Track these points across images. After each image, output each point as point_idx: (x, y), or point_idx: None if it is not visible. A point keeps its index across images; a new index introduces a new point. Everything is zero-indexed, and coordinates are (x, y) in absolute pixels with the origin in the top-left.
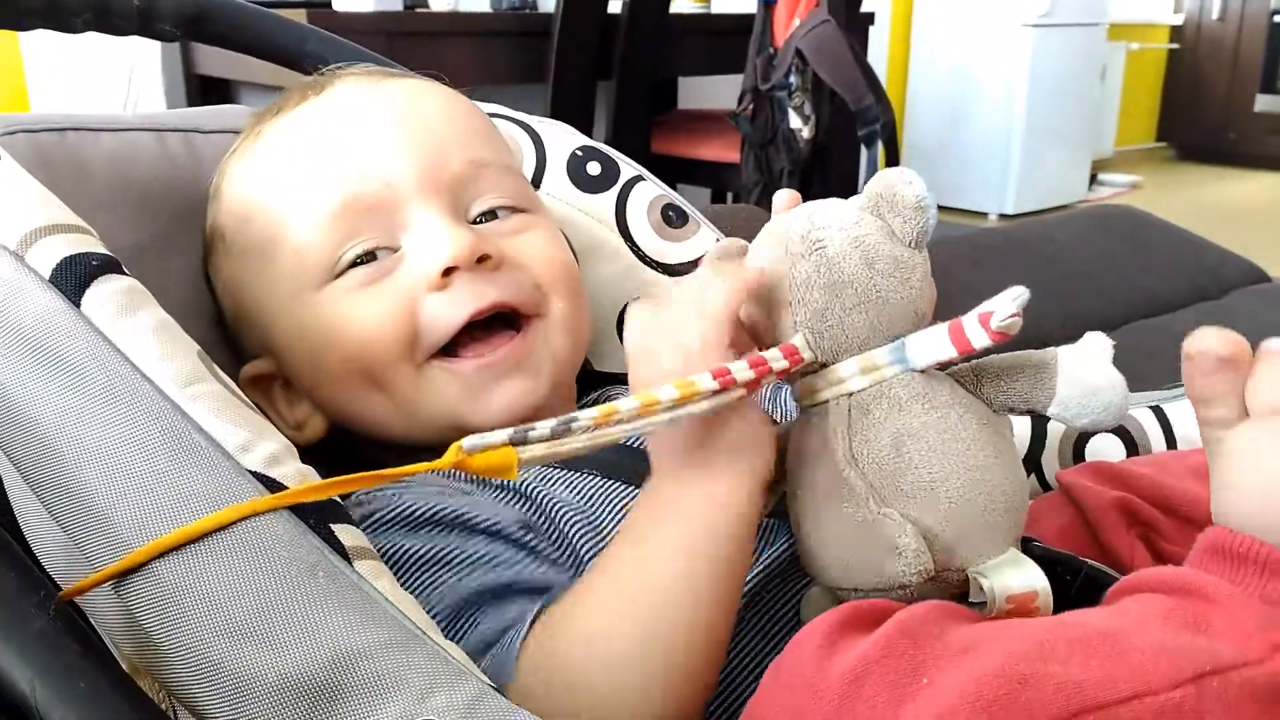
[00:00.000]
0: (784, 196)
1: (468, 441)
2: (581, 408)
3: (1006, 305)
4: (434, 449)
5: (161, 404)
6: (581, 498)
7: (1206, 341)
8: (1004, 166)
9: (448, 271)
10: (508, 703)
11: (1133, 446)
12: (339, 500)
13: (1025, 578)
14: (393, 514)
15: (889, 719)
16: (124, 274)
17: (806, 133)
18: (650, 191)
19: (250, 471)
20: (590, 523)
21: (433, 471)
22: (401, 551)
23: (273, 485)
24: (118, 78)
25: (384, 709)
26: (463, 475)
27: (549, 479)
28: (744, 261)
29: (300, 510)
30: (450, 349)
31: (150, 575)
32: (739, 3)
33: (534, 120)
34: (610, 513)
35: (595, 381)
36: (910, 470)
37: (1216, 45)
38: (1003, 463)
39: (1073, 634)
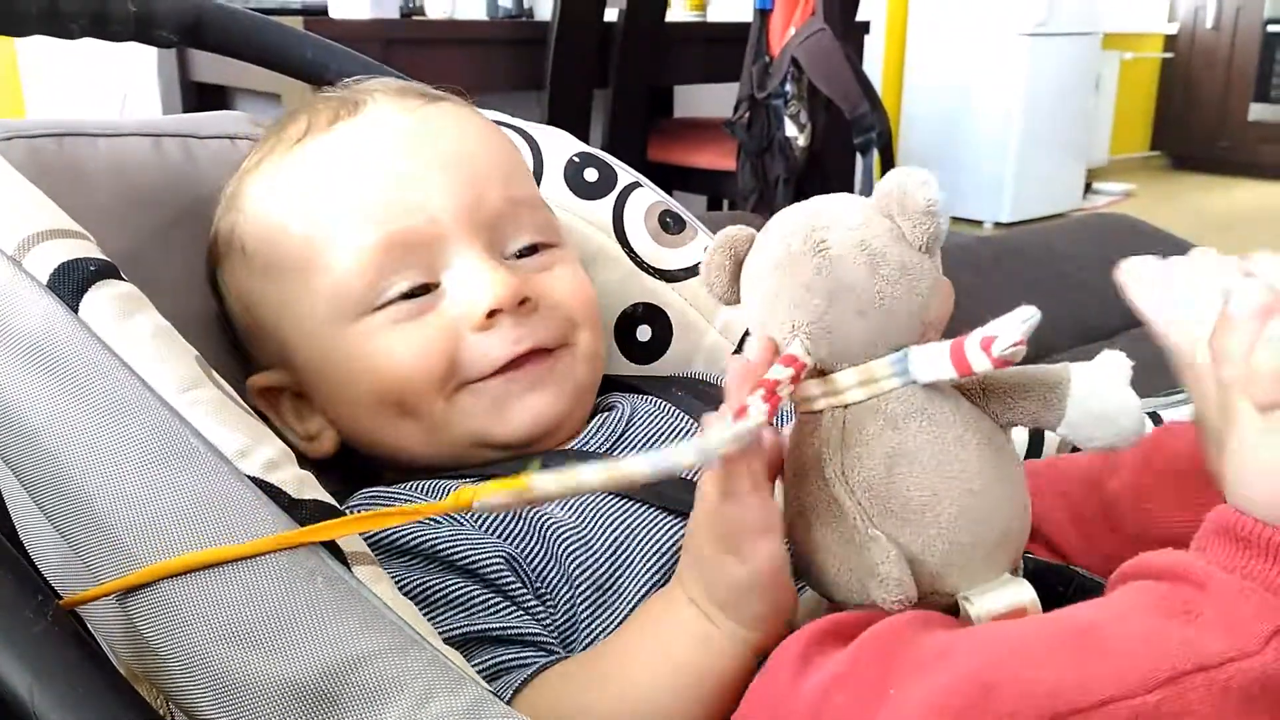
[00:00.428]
0: None
1: (477, 504)
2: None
3: (1011, 331)
4: (445, 467)
5: (160, 409)
6: (574, 513)
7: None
8: (999, 175)
9: (491, 313)
10: (506, 708)
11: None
12: (336, 505)
13: (1012, 597)
14: (372, 536)
15: None
16: (121, 279)
17: (802, 141)
18: (647, 198)
19: (249, 477)
20: (582, 541)
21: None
22: None
23: (271, 490)
24: (113, 84)
25: (383, 714)
26: None
27: None
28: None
29: (300, 517)
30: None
31: (155, 589)
32: (735, 11)
33: (531, 126)
34: (601, 527)
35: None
36: (901, 492)
37: (1210, 55)
38: (1002, 485)
39: (1051, 633)
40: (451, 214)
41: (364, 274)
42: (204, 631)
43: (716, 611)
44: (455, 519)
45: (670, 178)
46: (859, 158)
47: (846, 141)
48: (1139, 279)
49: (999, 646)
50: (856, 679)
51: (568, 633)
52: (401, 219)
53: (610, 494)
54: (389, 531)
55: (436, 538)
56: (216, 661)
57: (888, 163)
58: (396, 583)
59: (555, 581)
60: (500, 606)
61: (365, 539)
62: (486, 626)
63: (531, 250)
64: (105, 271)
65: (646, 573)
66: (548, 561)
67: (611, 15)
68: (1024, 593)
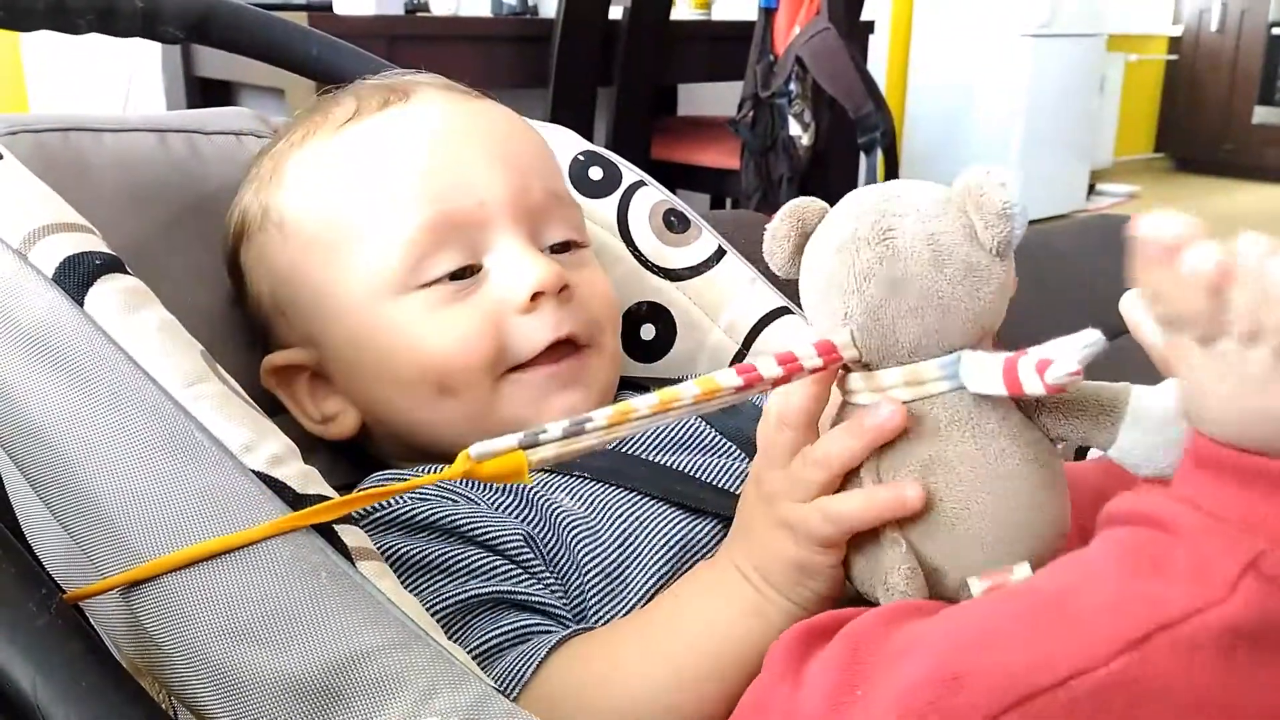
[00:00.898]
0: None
1: (475, 449)
2: None
3: (1069, 359)
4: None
5: (164, 404)
6: (583, 504)
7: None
8: None
9: (534, 296)
10: (510, 704)
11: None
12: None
13: (1015, 578)
14: (392, 515)
15: None
16: (127, 273)
17: (806, 140)
18: (652, 196)
19: (254, 471)
20: (590, 529)
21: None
22: (398, 554)
23: (276, 485)
24: (117, 79)
25: (387, 709)
26: (470, 481)
27: (552, 485)
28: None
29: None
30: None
31: (158, 583)
32: (739, 10)
33: (536, 124)
34: (610, 519)
35: None
36: (933, 502)
37: (1215, 57)
38: (1039, 504)
39: (1018, 609)
40: (499, 200)
41: (411, 251)
42: (207, 626)
43: (770, 589)
44: (472, 500)
45: (674, 176)
46: (863, 157)
47: (850, 141)
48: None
49: (965, 633)
50: (827, 680)
51: (579, 618)
52: (452, 199)
53: (619, 487)
54: (409, 509)
55: (457, 514)
56: (219, 656)
57: (891, 163)
58: (418, 554)
59: (566, 568)
60: (523, 577)
61: (386, 514)
62: (512, 590)
63: (564, 247)
64: (111, 265)
65: (655, 565)
66: (558, 549)
67: (616, 13)
68: (1023, 571)
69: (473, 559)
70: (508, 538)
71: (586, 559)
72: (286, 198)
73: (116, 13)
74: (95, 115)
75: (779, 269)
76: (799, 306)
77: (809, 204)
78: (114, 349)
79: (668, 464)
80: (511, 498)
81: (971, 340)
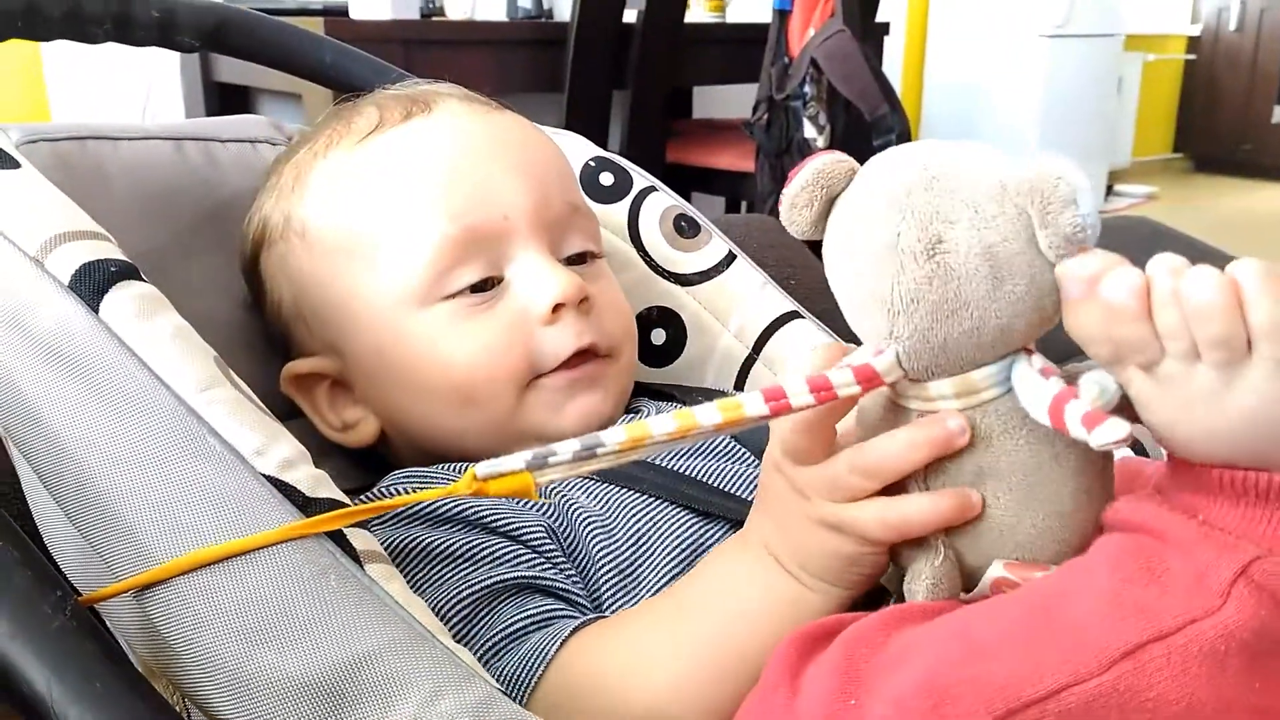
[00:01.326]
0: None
1: (481, 468)
2: None
3: (1119, 424)
4: (483, 457)
5: (178, 408)
6: (600, 504)
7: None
8: None
9: (556, 308)
10: (516, 706)
11: (1141, 453)
12: (350, 504)
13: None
14: (416, 509)
15: None
16: (142, 280)
17: (821, 142)
18: (662, 202)
19: (265, 475)
20: (605, 527)
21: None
22: (423, 544)
23: (286, 489)
24: (136, 86)
25: (394, 711)
26: None
27: (569, 484)
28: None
29: (314, 515)
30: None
31: (171, 585)
32: (754, 13)
33: (547, 130)
34: (624, 518)
35: None
36: (985, 510)
37: (1234, 56)
38: (1092, 503)
39: (1009, 617)
40: (521, 213)
41: (436, 263)
42: (219, 628)
43: (812, 578)
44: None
45: (689, 179)
46: None
47: (866, 143)
48: None
49: (956, 642)
50: (822, 686)
51: (595, 612)
52: (476, 212)
53: (632, 489)
54: (433, 502)
55: (480, 506)
56: (231, 658)
57: None
58: (444, 544)
59: (582, 563)
60: (547, 566)
61: (410, 511)
62: (538, 576)
63: (581, 258)
64: (126, 272)
65: (667, 565)
66: (574, 545)
67: (630, 16)
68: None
69: (497, 548)
70: (531, 529)
71: (601, 555)
72: (310, 207)
73: (133, 22)
74: (112, 124)
75: (800, 234)
76: (809, 311)
77: (834, 166)
78: (128, 354)
79: (681, 469)
80: None
81: (1026, 344)
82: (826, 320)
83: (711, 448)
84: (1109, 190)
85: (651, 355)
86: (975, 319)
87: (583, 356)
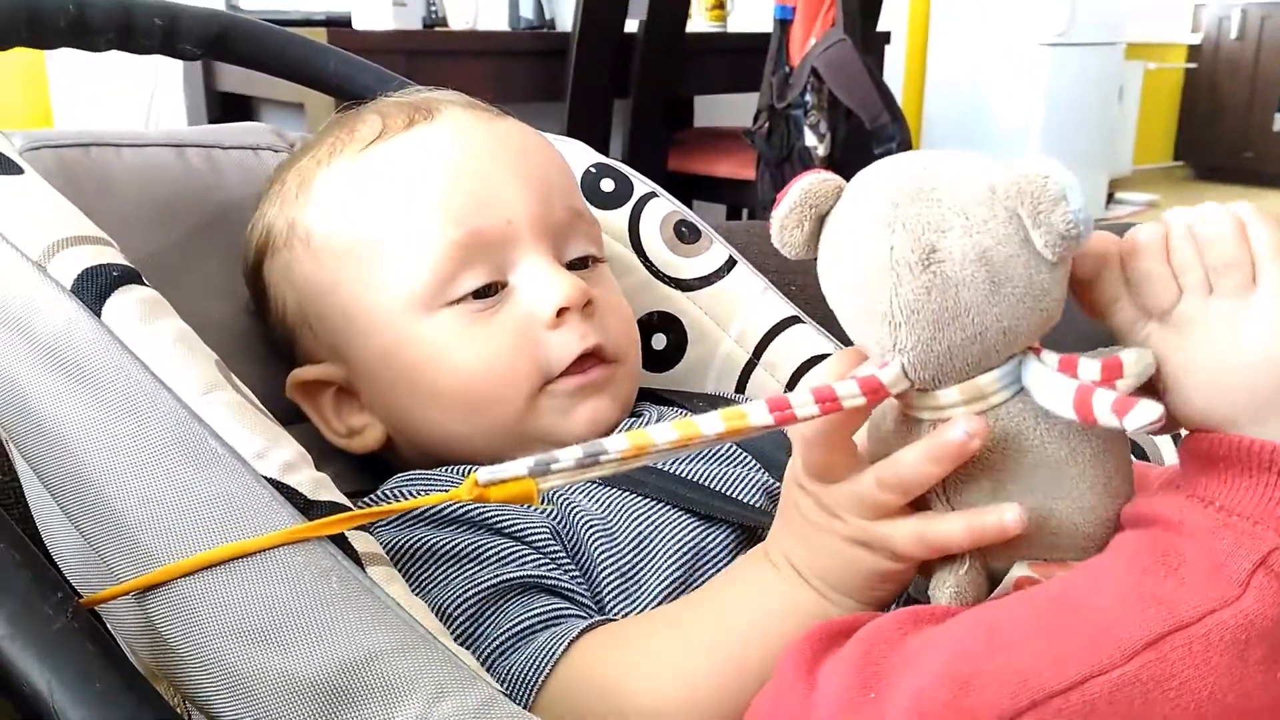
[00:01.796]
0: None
1: (483, 474)
2: None
3: (1152, 406)
4: (489, 460)
5: (179, 411)
6: (601, 507)
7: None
8: None
9: (560, 312)
10: (517, 708)
11: (1142, 458)
12: (351, 506)
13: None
14: (421, 510)
15: None
16: (144, 284)
17: (822, 151)
18: (663, 208)
19: (266, 478)
20: (606, 530)
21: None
22: (428, 545)
23: (287, 491)
24: (140, 94)
25: (396, 712)
26: None
27: (571, 487)
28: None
29: (316, 517)
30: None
31: (173, 587)
32: (755, 22)
33: (548, 137)
34: (625, 521)
35: None
36: None
37: (1234, 65)
38: (1112, 494)
39: (1028, 611)
40: (525, 218)
41: (441, 268)
42: (220, 630)
43: (837, 594)
44: None
45: (690, 187)
46: None
47: (867, 152)
48: None
49: (976, 636)
50: (841, 682)
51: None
52: (480, 218)
53: (636, 493)
54: (438, 503)
55: (483, 506)
56: (232, 660)
57: None
58: (450, 544)
59: (584, 563)
60: (552, 567)
61: (415, 511)
62: (544, 575)
63: (583, 263)
64: (128, 277)
65: (669, 569)
66: (576, 547)
67: (632, 26)
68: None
69: (502, 548)
70: (535, 530)
71: (602, 558)
72: (313, 214)
73: (136, 31)
74: (115, 130)
75: (793, 255)
76: (811, 317)
77: (819, 185)
78: (130, 358)
79: (682, 473)
80: None
81: (1031, 343)
82: (828, 326)
83: (714, 452)
84: (1110, 198)
85: (652, 360)
86: (977, 324)
87: (589, 360)
